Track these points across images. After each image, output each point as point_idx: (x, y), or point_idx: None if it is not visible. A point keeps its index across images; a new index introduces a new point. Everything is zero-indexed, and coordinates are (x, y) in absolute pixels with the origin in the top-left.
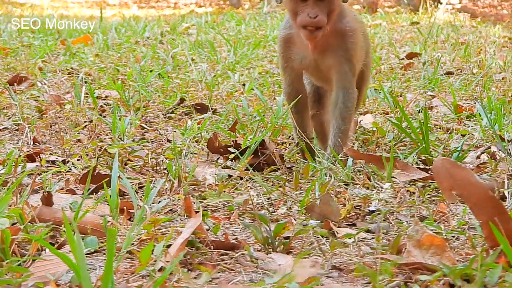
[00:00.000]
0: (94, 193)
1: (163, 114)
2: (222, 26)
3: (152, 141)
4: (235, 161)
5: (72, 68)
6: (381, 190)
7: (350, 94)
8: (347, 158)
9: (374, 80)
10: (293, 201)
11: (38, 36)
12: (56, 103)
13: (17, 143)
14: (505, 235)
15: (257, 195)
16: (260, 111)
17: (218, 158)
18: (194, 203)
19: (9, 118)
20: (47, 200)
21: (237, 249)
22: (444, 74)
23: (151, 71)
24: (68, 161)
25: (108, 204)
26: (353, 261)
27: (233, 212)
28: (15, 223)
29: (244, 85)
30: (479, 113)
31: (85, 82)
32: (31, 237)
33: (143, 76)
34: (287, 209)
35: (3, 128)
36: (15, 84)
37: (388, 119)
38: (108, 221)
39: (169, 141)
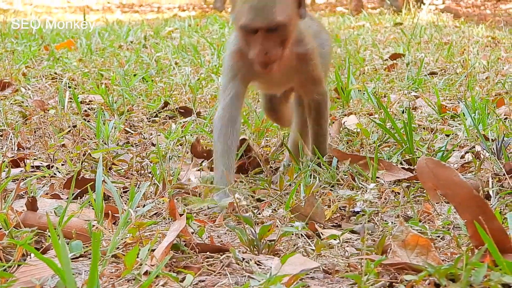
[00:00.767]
0: (78, 197)
1: (147, 118)
2: (206, 29)
3: (136, 145)
4: None
5: (55, 73)
6: (366, 191)
7: (321, 100)
8: (332, 159)
9: (358, 81)
10: (278, 203)
11: (21, 42)
12: (40, 108)
13: (1, 148)
14: (490, 234)
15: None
16: (244, 113)
17: (202, 161)
18: (178, 206)
19: None
20: (32, 205)
21: (223, 252)
22: (428, 74)
23: (134, 75)
24: (52, 166)
25: (93, 208)
26: (338, 262)
27: (218, 215)
28: (0, 229)
29: None
30: (463, 113)
31: (69, 87)
32: (16, 242)
33: (126, 80)
34: (272, 211)
35: None
36: None
37: (372, 120)
38: (93, 225)
39: (153, 144)
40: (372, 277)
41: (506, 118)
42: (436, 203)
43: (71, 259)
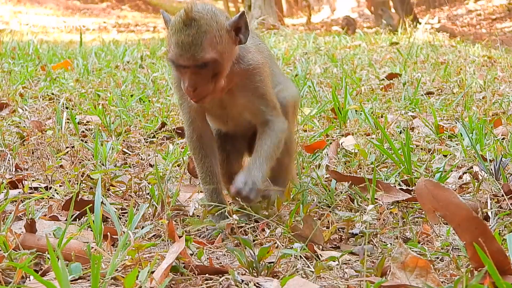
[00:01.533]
0: (77, 219)
1: (144, 139)
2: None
3: (134, 166)
4: None
5: (53, 94)
6: (365, 212)
7: (276, 124)
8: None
9: (355, 102)
10: (276, 224)
11: (18, 62)
12: (37, 129)
13: None
14: (490, 255)
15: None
16: None
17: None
18: (177, 228)
19: None
20: (31, 227)
21: (222, 274)
22: (425, 94)
23: (131, 95)
24: (50, 188)
25: (91, 230)
26: (338, 284)
27: (217, 237)
28: None
29: None
30: (461, 133)
31: (66, 108)
32: (15, 264)
33: (124, 101)
34: (271, 232)
35: None
36: None
37: (369, 140)
38: (92, 247)
39: (151, 165)
40: None
41: (503, 138)
42: (435, 224)
43: (71, 281)
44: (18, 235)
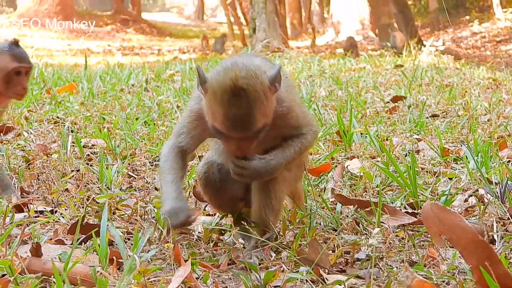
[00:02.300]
0: (83, 243)
1: (150, 162)
2: (206, 72)
3: (139, 190)
4: None
5: (58, 117)
6: (370, 236)
7: (306, 136)
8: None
9: (360, 124)
10: (281, 248)
11: None
12: (43, 152)
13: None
14: (496, 279)
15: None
16: None
17: (206, 206)
18: (183, 251)
19: None
20: (36, 251)
21: None
22: (430, 117)
23: (137, 119)
24: (56, 211)
25: (97, 254)
26: None
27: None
28: (5, 275)
29: None
30: (466, 156)
31: (71, 131)
32: None
33: (129, 124)
34: (276, 256)
35: None
36: (1, 134)
37: (375, 163)
38: (98, 271)
39: (156, 189)
40: None
41: (509, 161)
42: (441, 247)
43: None
44: (24, 259)
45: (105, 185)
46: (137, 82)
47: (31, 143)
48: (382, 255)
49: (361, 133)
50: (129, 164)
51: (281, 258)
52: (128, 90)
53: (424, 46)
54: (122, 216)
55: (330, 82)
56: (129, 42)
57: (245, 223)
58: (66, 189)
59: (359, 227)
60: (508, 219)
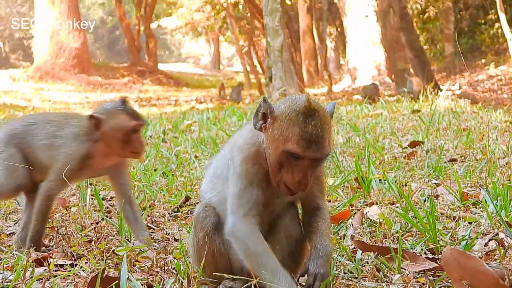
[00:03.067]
0: None
1: (169, 213)
2: (224, 121)
3: (159, 241)
4: None
5: None
6: (391, 282)
7: (326, 212)
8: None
9: (378, 171)
10: None
11: None
12: (62, 206)
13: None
14: None
15: None
16: None
17: None
18: None
19: (16, 223)
20: None
21: None
22: (448, 161)
23: (155, 170)
24: (76, 264)
25: None
26: None
27: None
28: None
29: None
30: (485, 200)
31: (90, 184)
32: None
33: (147, 175)
34: None
35: (11, 233)
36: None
37: (394, 209)
38: None
39: (176, 240)
40: None
41: None
42: None
43: None
44: None
45: (125, 237)
46: (155, 133)
47: None
48: None
49: (380, 179)
50: (148, 215)
51: None
52: (146, 141)
53: (441, 90)
54: (142, 268)
55: (348, 128)
56: (146, 93)
57: None
58: (86, 242)
59: (380, 273)
60: None
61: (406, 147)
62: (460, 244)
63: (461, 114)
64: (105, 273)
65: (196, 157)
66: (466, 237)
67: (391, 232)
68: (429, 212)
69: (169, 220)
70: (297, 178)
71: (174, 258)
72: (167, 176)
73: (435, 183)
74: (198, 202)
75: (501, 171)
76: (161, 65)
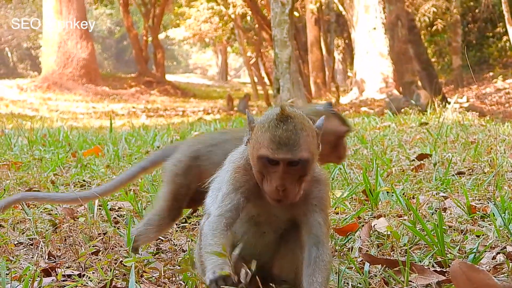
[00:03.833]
0: None
1: (176, 224)
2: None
3: (167, 252)
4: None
5: (84, 180)
6: None
7: (327, 249)
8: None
9: (386, 183)
10: None
11: (49, 149)
12: (69, 216)
13: (33, 258)
14: None
15: None
16: None
17: None
18: None
19: (23, 233)
20: None
21: None
22: (456, 174)
23: (162, 181)
24: (84, 275)
25: None
26: None
27: None
28: None
29: None
30: (493, 213)
31: None
32: None
33: (155, 186)
34: None
35: (18, 243)
36: None
37: (402, 222)
38: None
39: (183, 251)
40: None
41: None
42: None
43: None
44: None
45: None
46: (162, 144)
47: (58, 207)
48: None
49: (387, 192)
50: None
51: None
52: (154, 152)
53: (449, 103)
54: (150, 279)
55: (355, 141)
56: (154, 104)
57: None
58: (94, 253)
59: (388, 286)
60: None
61: (414, 160)
62: (468, 257)
63: (469, 127)
64: (113, 284)
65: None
66: (474, 250)
67: (399, 245)
68: (437, 225)
69: (176, 231)
70: (274, 184)
71: (180, 268)
72: None
73: (443, 196)
74: (204, 214)
75: (509, 184)
76: (169, 76)
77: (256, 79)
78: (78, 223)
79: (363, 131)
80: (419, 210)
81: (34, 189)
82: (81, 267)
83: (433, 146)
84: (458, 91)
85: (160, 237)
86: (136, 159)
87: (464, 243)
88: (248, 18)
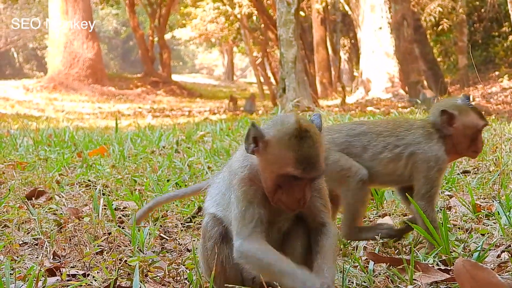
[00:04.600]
0: None
1: (181, 224)
2: (237, 132)
3: (171, 251)
4: None
5: (89, 180)
6: None
7: (332, 229)
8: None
9: None
10: None
11: (54, 149)
12: (74, 216)
13: (37, 257)
14: None
15: None
16: None
17: None
18: None
19: (28, 233)
20: None
21: None
22: (461, 173)
23: (168, 180)
24: (88, 274)
25: None
26: None
27: None
28: None
29: None
30: (498, 212)
31: (103, 194)
32: None
33: (160, 186)
34: None
35: (23, 243)
36: (33, 198)
37: (406, 221)
38: None
39: (188, 250)
40: None
41: None
42: None
43: None
44: None
45: (137, 248)
46: (168, 144)
47: (63, 207)
48: None
49: (392, 191)
50: (161, 226)
51: None
52: (159, 152)
53: None
54: (155, 278)
55: None
56: (160, 104)
57: None
58: (98, 252)
59: (392, 284)
60: None
61: None
62: (472, 255)
63: None
64: (118, 283)
65: (209, 168)
66: (479, 248)
67: (404, 244)
68: (442, 223)
69: (181, 230)
70: (297, 197)
71: (186, 269)
72: (180, 186)
73: (448, 195)
74: (204, 214)
75: None
76: (175, 76)
77: (262, 79)
78: (83, 222)
79: None
80: None
81: (39, 189)
82: (86, 266)
83: None
84: (464, 91)
85: (165, 237)
86: (141, 159)
87: (469, 241)
88: (254, 18)
